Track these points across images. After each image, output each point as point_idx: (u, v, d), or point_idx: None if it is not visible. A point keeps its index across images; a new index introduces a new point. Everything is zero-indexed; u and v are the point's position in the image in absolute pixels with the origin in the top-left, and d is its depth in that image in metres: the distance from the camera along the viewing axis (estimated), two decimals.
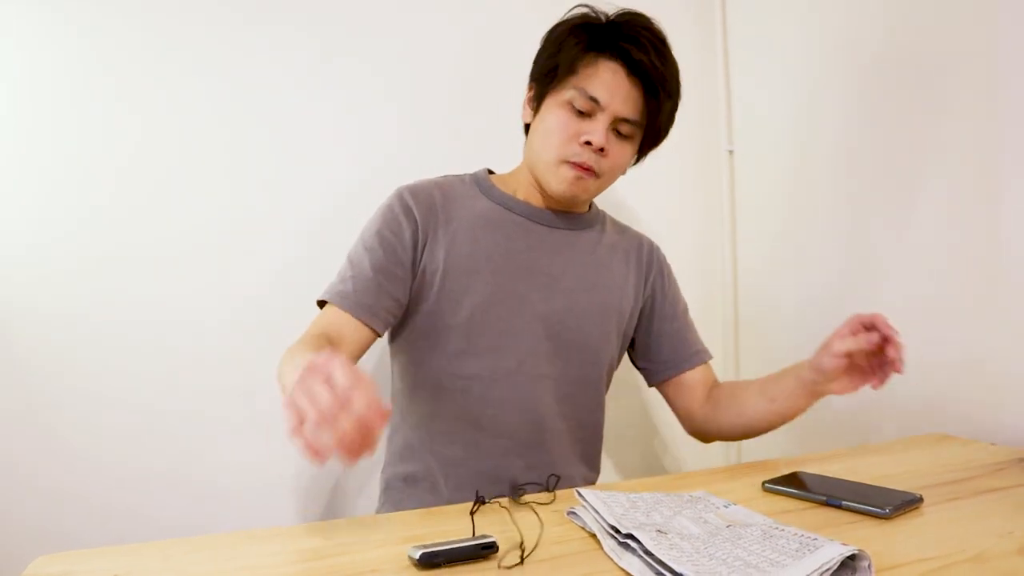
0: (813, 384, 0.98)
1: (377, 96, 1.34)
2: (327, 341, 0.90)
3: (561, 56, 0.99)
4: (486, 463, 1.03)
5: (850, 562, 0.59)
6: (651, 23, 1.01)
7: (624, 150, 1.03)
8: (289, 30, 1.28)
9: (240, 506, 1.24)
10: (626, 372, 1.18)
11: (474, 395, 1.03)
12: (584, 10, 1.03)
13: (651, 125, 1.02)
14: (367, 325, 0.96)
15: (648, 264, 1.17)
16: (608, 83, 0.98)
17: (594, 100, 0.98)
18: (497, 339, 1.03)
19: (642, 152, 1.08)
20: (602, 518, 0.71)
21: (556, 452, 1.07)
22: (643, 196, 1.55)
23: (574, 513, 0.76)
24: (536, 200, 1.08)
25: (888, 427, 1.22)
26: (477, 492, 0.80)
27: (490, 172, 1.14)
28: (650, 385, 1.19)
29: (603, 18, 1.02)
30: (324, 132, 1.30)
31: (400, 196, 1.04)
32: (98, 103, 1.18)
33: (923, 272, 1.17)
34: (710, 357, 1.17)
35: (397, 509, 1.04)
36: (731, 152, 1.60)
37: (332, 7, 1.30)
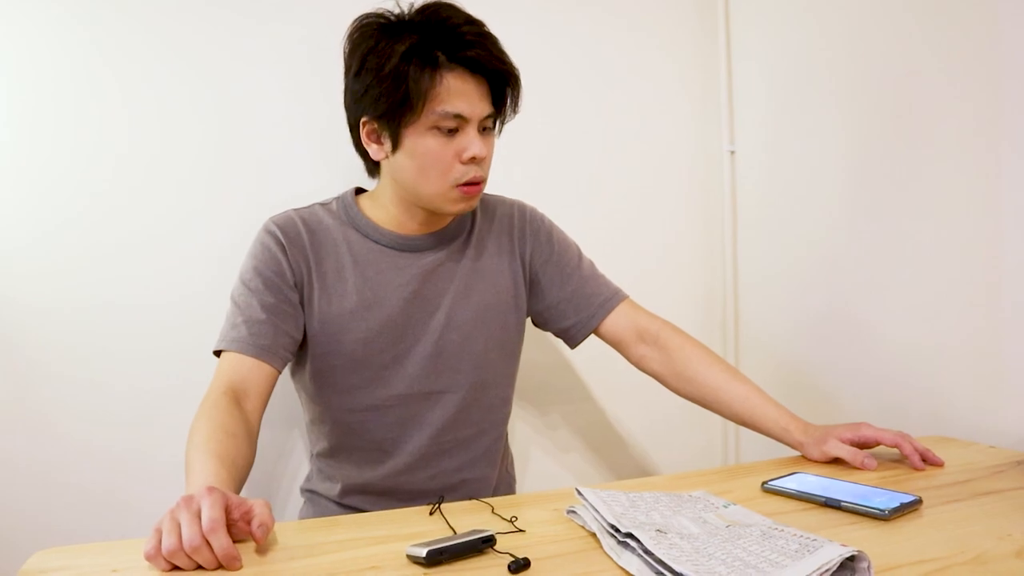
0: (791, 445, 1.01)
1: None
2: (235, 400, 0.90)
3: (409, 87, 0.93)
4: (392, 480, 1.06)
5: (849, 563, 0.59)
6: (457, 9, 0.97)
7: (492, 141, 1.02)
8: (285, 32, 1.27)
9: None
10: (626, 373, 1.18)
11: (372, 425, 1.05)
12: (381, 21, 0.96)
13: (503, 105, 1.02)
14: (269, 364, 0.96)
15: (520, 239, 1.14)
16: (463, 94, 0.95)
17: (459, 117, 0.95)
18: (384, 370, 1.04)
19: (501, 127, 1.06)
20: (601, 517, 0.71)
21: (461, 457, 1.09)
22: (644, 197, 1.55)
23: (574, 512, 0.76)
24: (406, 227, 1.06)
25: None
26: (441, 496, 0.85)
27: (359, 190, 1.11)
28: (572, 347, 1.18)
29: (405, 14, 0.96)
30: (323, 132, 1.30)
31: (272, 234, 1.02)
32: (97, 95, 1.18)
33: (924, 274, 1.17)
34: (619, 300, 1.14)
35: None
36: (732, 153, 1.60)
37: (328, 10, 1.29)
